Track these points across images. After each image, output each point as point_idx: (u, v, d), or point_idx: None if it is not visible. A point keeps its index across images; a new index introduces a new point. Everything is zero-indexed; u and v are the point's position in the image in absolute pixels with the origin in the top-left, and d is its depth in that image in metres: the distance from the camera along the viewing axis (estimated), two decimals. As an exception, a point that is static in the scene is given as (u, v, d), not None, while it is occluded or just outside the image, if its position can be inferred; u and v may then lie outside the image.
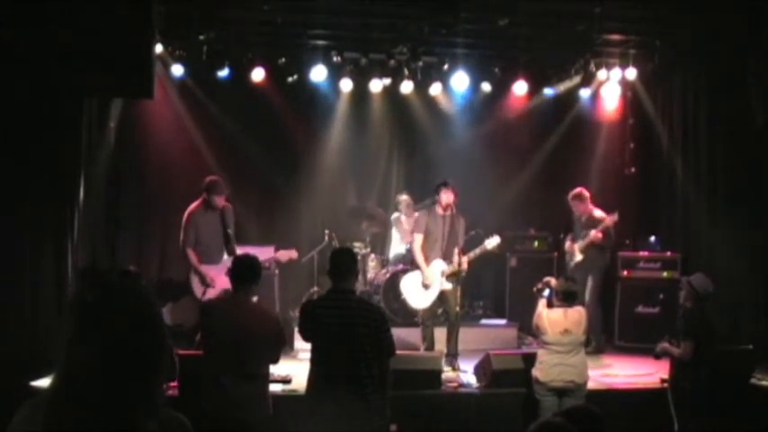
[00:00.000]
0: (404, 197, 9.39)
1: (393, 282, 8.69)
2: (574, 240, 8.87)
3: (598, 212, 8.74)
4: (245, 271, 4.82)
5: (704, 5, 7.68)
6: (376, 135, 10.44)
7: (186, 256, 7.48)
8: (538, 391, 6.07)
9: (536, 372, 6.10)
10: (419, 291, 7.75)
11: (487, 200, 9.98)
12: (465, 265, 7.53)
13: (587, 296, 8.67)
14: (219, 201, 7.58)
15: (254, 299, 5.06)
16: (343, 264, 4.73)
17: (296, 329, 6.87)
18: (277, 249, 8.67)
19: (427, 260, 7.70)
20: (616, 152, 10.25)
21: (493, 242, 7.76)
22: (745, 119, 8.20)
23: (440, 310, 7.85)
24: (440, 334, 7.77)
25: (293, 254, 7.81)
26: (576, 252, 8.76)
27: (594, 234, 8.54)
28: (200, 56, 8.74)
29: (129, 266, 6.88)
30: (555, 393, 5.98)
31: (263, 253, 8.18)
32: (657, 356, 6.17)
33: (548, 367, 6.00)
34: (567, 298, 6.12)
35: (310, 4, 8.14)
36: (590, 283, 8.66)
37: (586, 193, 8.87)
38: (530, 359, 6.56)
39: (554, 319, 6.04)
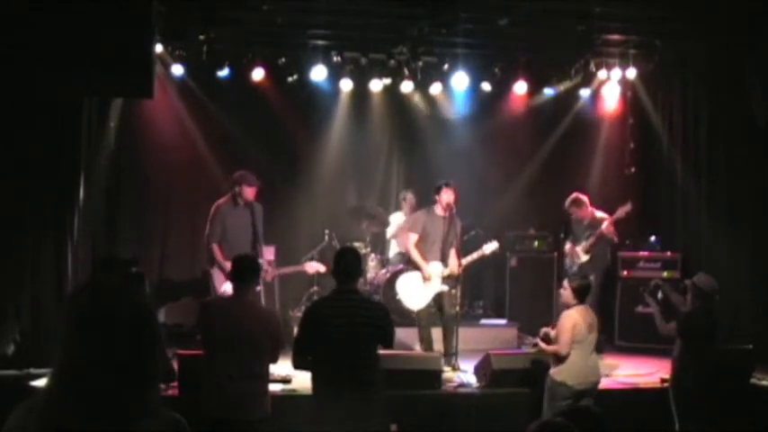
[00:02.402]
0: (409, 195, 9.37)
1: (393, 282, 8.69)
2: (575, 243, 8.84)
3: (600, 214, 8.70)
4: (244, 270, 4.82)
5: (704, 5, 7.68)
6: (376, 135, 10.44)
7: (210, 251, 7.34)
8: (563, 395, 5.62)
9: (562, 375, 5.69)
10: (414, 291, 7.71)
11: (487, 200, 9.98)
12: (458, 269, 7.51)
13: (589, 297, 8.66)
14: (250, 193, 7.40)
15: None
16: (348, 264, 4.69)
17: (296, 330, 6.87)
18: (278, 250, 8.68)
19: (425, 261, 7.67)
20: (616, 152, 10.24)
21: (491, 247, 7.75)
22: (745, 119, 8.20)
23: (433, 310, 7.81)
24: (438, 334, 7.76)
25: (321, 267, 7.74)
26: (579, 254, 8.69)
27: (606, 226, 8.50)
28: (200, 56, 8.72)
29: (132, 268, 6.87)
30: (576, 396, 5.67)
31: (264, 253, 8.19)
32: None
33: (578, 369, 5.70)
34: (584, 294, 5.87)
35: (310, 4, 8.14)
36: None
37: (584, 198, 8.82)
38: (530, 359, 6.55)
39: (581, 317, 5.78)
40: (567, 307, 5.86)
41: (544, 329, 6.08)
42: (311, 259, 9.08)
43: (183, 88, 9.41)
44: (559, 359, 5.73)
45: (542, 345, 5.99)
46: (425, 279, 7.65)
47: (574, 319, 5.73)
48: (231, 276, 4.92)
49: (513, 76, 9.51)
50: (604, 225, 8.50)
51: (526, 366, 6.54)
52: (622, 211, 8.48)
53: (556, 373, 5.74)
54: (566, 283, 5.96)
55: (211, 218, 7.44)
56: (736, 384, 6.53)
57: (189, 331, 8.14)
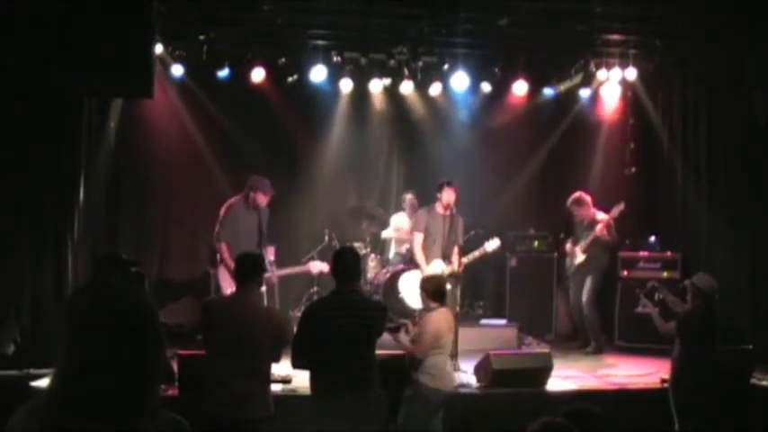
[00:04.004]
0: (409, 196, 9.39)
1: (393, 281, 8.69)
2: (575, 243, 8.86)
3: (601, 215, 8.71)
4: (248, 268, 4.79)
5: (704, 5, 7.68)
6: (376, 135, 10.44)
7: (219, 249, 7.38)
8: (437, 401, 5.51)
9: (436, 381, 5.49)
10: (417, 290, 7.72)
11: (487, 200, 9.98)
12: (459, 267, 7.52)
13: (585, 296, 8.69)
14: (263, 199, 7.51)
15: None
16: (348, 264, 4.70)
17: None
18: (278, 250, 8.67)
19: (427, 259, 7.69)
20: (616, 152, 10.24)
21: (493, 245, 7.75)
22: (745, 119, 8.20)
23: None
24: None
25: (324, 267, 7.73)
26: (577, 253, 8.75)
27: (600, 229, 8.52)
28: (200, 56, 8.73)
29: (133, 268, 6.86)
30: (443, 401, 5.57)
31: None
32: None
33: (445, 373, 5.61)
34: (440, 295, 5.74)
35: (310, 4, 8.15)
36: (588, 283, 8.67)
37: (587, 197, 8.83)
38: (531, 359, 6.54)
39: (445, 321, 5.68)
40: (428, 309, 5.74)
41: (406, 321, 5.93)
42: (312, 259, 9.08)
43: (183, 88, 9.41)
44: (416, 360, 5.52)
45: (402, 337, 5.61)
46: None
47: (438, 325, 5.58)
48: (235, 274, 4.91)
49: (513, 76, 9.50)
50: (598, 228, 8.52)
51: (526, 366, 6.53)
52: (616, 210, 8.51)
53: (428, 379, 5.49)
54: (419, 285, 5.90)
55: (223, 217, 7.48)
56: (736, 384, 6.53)
57: (189, 331, 8.15)
